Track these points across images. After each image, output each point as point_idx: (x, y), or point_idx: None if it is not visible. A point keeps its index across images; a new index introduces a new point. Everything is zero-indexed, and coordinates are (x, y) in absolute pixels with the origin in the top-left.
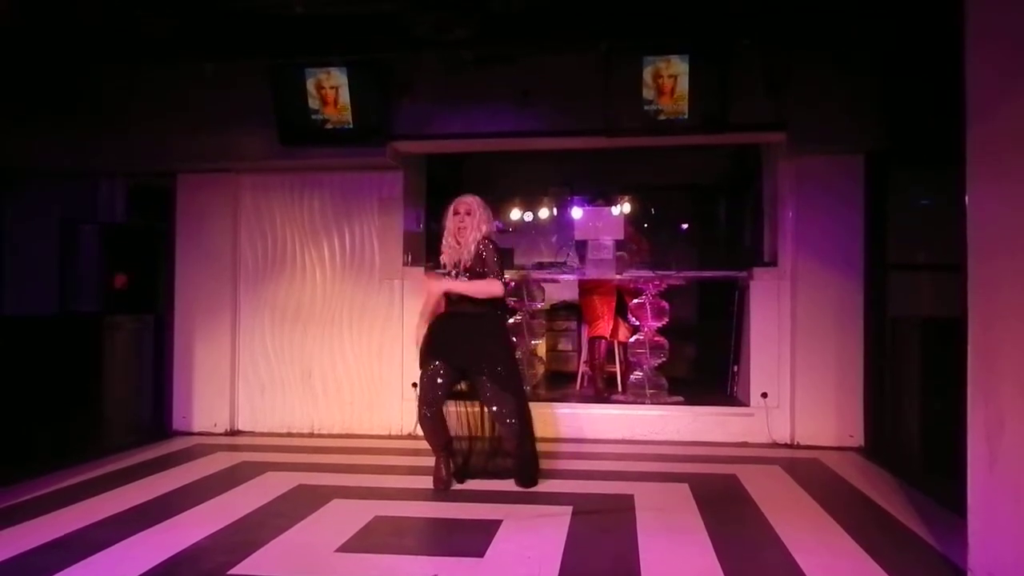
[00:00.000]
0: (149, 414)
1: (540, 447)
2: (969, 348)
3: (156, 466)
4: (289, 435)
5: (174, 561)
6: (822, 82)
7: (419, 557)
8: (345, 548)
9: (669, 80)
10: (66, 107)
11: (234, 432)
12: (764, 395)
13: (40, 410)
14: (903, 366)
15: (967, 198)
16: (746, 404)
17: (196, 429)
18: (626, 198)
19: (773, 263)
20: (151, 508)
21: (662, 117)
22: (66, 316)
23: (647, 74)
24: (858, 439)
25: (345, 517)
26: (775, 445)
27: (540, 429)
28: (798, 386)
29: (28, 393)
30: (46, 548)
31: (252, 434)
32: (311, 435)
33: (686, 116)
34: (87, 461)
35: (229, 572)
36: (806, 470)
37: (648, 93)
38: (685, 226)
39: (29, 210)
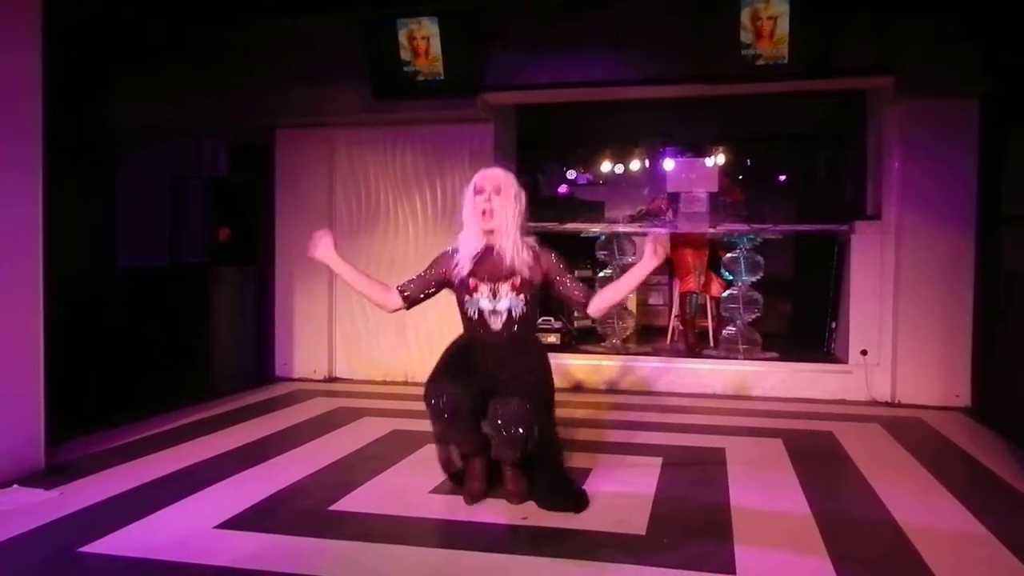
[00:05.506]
0: (253, 361)
1: (631, 399)
2: None
3: (259, 410)
4: (384, 383)
5: (277, 497)
6: (933, 21)
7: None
8: (438, 490)
9: (768, 22)
10: (166, 70)
11: (332, 379)
12: (864, 352)
13: (154, 355)
14: (1018, 324)
15: None
16: (844, 361)
17: (296, 375)
18: (720, 148)
19: (877, 216)
20: (255, 448)
21: (761, 62)
22: (176, 267)
23: (745, 16)
24: (964, 399)
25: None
26: (874, 403)
27: (630, 382)
28: (900, 343)
29: (144, 339)
30: (161, 481)
31: (349, 381)
32: (405, 383)
33: (786, 61)
34: (196, 404)
35: (329, 508)
36: (908, 429)
37: (746, 36)
38: (783, 178)
39: (140, 169)
